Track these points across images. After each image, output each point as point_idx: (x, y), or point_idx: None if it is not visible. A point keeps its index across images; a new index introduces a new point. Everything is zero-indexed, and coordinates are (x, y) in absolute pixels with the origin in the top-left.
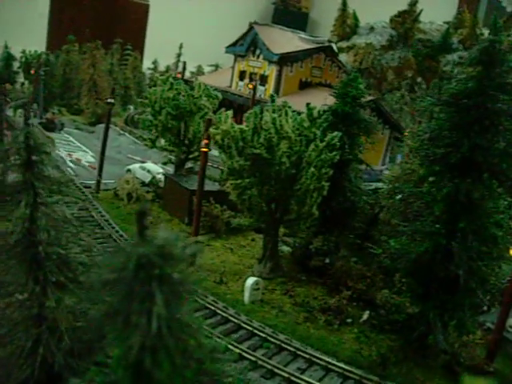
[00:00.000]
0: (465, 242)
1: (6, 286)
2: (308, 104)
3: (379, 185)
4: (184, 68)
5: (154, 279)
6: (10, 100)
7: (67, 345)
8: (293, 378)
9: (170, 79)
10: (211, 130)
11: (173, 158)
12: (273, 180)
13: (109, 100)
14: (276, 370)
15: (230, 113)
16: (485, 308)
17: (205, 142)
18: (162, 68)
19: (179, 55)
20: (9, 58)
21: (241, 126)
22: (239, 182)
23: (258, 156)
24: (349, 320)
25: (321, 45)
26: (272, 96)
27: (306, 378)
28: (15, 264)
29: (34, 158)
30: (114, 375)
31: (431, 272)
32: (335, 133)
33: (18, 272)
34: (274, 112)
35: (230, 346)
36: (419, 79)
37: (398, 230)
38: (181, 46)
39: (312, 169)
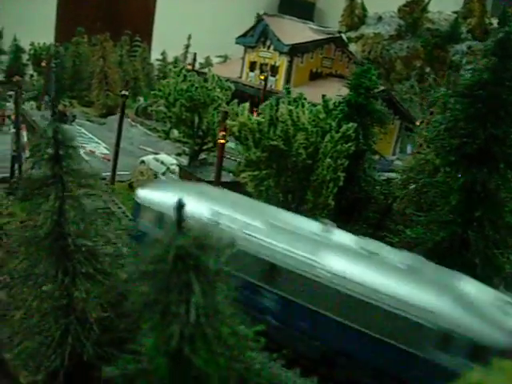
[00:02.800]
0: (481, 230)
1: (35, 277)
2: (323, 96)
3: (391, 175)
4: (194, 59)
5: (191, 270)
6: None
7: (96, 335)
8: None
9: (184, 71)
10: (228, 121)
11: (186, 149)
12: (289, 171)
13: (123, 92)
14: None
15: (247, 105)
16: None
17: (221, 133)
18: (169, 59)
19: (187, 46)
20: (18, 50)
21: (258, 118)
22: (257, 173)
23: (275, 147)
24: None
25: (331, 35)
26: (287, 88)
27: None
28: (45, 256)
29: (61, 152)
30: (149, 364)
31: (448, 260)
32: (350, 124)
33: (48, 264)
34: (289, 104)
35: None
36: (428, 69)
37: (412, 219)
38: (189, 37)
39: (328, 160)
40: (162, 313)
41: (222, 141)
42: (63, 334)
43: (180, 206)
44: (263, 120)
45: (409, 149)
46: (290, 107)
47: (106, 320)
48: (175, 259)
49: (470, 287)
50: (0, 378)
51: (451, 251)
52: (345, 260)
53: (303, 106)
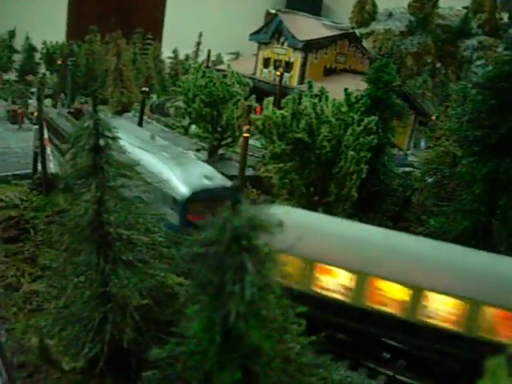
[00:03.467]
0: (505, 218)
1: (77, 266)
2: (346, 89)
3: (406, 169)
4: (208, 56)
5: (245, 250)
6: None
7: (135, 322)
8: None
9: (203, 67)
10: (252, 115)
11: (205, 145)
12: (313, 164)
13: (143, 89)
14: None
15: (271, 99)
16: None
17: (246, 127)
18: (181, 57)
19: (199, 44)
20: (30, 49)
21: (282, 112)
22: (282, 165)
23: (299, 140)
24: None
25: (345, 31)
26: (310, 82)
27: None
28: (86, 245)
29: (102, 142)
30: (198, 345)
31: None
32: (372, 117)
33: (89, 252)
34: (311, 97)
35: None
36: (438, 65)
37: (433, 210)
38: (200, 35)
39: (352, 152)
40: (216, 293)
41: (247, 135)
42: (102, 322)
43: (236, 187)
44: (287, 114)
45: (423, 144)
46: (314, 100)
47: (145, 307)
48: (230, 240)
49: (197, 165)
50: (43, 364)
51: (475, 240)
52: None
53: (327, 99)
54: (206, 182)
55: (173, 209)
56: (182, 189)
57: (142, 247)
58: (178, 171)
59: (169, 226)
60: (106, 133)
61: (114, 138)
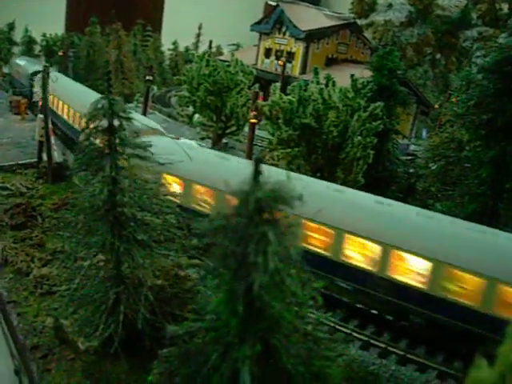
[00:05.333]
0: (511, 201)
1: (90, 247)
2: (352, 75)
3: (409, 158)
4: (210, 47)
5: (268, 221)
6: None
7: (149, 302)
8: None
9: (207, 56)
10: (259, 101)
11: (209, 134)
12: (320, 149)
13: (147, 77)
14: None
15: (278, 84)
16: None
17: (253, 113)
18: (180, 49)
19: (199, 35)
20: (30, 41)
21: (289, 97)
22: (289, 151)
23: (306, 125)
24: None
25: (346, 21)
26: (316, 68)
27: None
28: (101, 225)
29: (116, 123)
30: (217, 320)
31: None
32: (378, 103)
33: (104, 232)
34: (317, 83)
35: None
36: (438, 56)
37: (438, 195)
38: (200, 27)
39: (358, 137)
40: (238, 264)
41: (254, 120)
42: (116, 303)
43: (258, 160)
44: (294, 99)
45: (424, 133)
46: (321, 86)
47: (159, 288)
48: (253, 212)
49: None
50: (56, 346)
51: (481, 223)
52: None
53: (334, 85)
54: None
55: None
56: None
57: (156, 228)
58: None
59: None
60: (121, 113)
61: (129, 119)
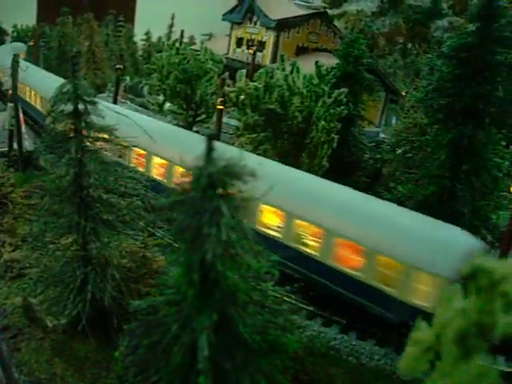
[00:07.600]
0: (468, 183)
1: (57, 228)
2: (317, 62)
3: (374, 144)
4: (182, 37)
5: (220, 196)
6: None
7: (115, 281)
8: None
9: (177, 44)
10: (226, 88)
11: (180, 122)
12: (285, 134)
13: (117, 66)
14: None
15: (244, 71)
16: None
17: (220, 99)
18: (153, 39)
19: (171, 26)
20: (0, 32)
21: (255, 84)
22: (255, 135)
23: (271, 111)
24: None
25: (317, 10)
26: (282, 56)
27: None
28: (67, 207)
29: (81, 107)
30: (177, 294)
31: (437, 212)
32: (342, 89)
33: (70, 214)
34: (283, 70)
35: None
36: (410, 45)
37: (401, 179)
38: (173, 17)
39: (323, 122)
40: (193, 237)
41: (221, 107)
42: (83, 282)
43: (210, 137)
44: (260, 86)
45: (394, 120)
46: (286, 72)
47: (126, 268)
48: (206, 187)
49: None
50: (26, 326)
51: (441, 203)
52: None
53: (298, 71)
54: None
55: None
56: None
57: (122, 209)
58: None
59: None
60: (85, 97)
61: (93, 103)
